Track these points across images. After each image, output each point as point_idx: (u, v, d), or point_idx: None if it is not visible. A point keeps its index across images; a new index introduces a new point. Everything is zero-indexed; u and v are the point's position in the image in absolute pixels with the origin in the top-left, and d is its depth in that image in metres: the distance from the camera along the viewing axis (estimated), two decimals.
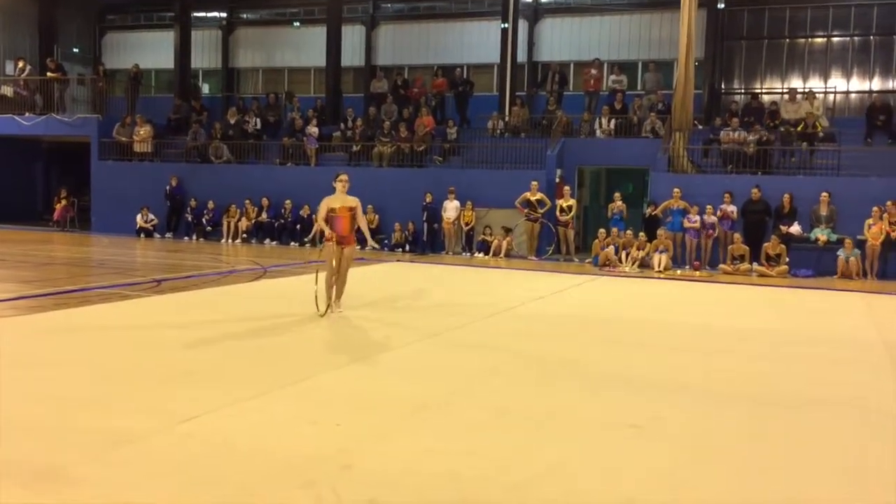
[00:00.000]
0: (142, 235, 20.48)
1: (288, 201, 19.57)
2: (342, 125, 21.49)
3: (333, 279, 8.79)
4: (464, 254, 18.01)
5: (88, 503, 3.46)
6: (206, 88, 26.87)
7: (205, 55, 26.96)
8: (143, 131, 21.74)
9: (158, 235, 20.62)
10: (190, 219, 20.44)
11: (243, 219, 19.83)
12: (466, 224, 18.18)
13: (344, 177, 8.90)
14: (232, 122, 22.08)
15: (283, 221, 19.62)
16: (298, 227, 19.40)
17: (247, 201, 19.86)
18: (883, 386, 6.24)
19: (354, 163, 20.33)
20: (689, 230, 16.07)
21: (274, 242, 19.45)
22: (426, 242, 18.37)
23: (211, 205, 20.30)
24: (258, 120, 22.09)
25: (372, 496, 3.61)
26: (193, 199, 20.54)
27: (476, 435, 4.63)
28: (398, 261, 16.28)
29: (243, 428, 4.57)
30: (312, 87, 25.67)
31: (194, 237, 20.15)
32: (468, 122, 21.51)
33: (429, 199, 18.24)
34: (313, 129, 20.87)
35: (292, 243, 19.24)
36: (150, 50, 27.05)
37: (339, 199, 8.78)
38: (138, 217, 20.67)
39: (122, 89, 23.72)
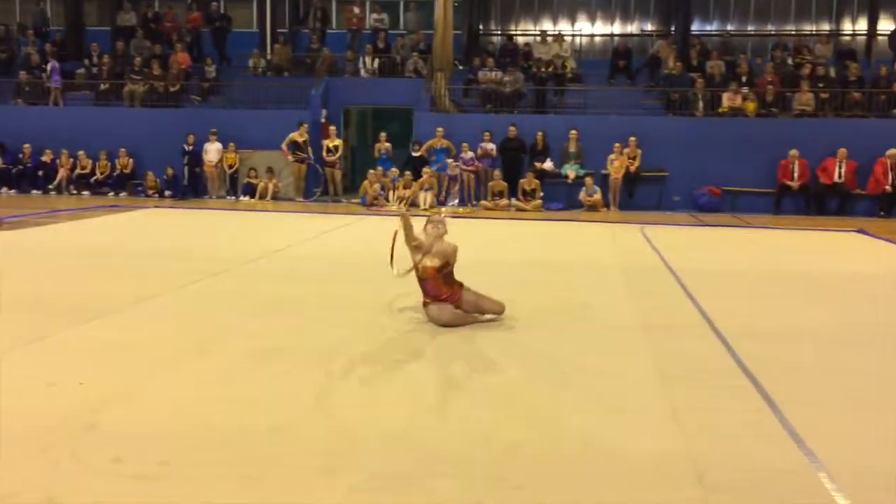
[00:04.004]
0: None
1: (27, 145, 17.79)
2: (86, 61, 19.73)
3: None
4: (228, 198, 17.40)
5: None
6: None
7: None
8: None
9: None
10: None
11: None
12: (230, 167, 17.52)
13: (442, 216, 6.35)
14: None
15: (21, 167, 17.81)
16: (40, 173, 17.75)
17: None
18: (616, 305, 6.84)
19: (102, 102, 18.85)
20: (451, 176, 16.55)
21: (12, 191, 17.65)
22: (188, 187, 17.51)
23: None
24: None
25: (117, 454, 3.41)
26: None
27: (234, 381, 4.50)
28: (156, 206, 15.39)
29: None
30: (49, 19, 23.24)
31: None
32: (228, 60, 20.57)
33: (191, 140, 17.34)
34: (52, 64, 18.99)
35: (34, 191, 17.59)
36: None
37: (430, 251, 5.99)
38: None
39: None
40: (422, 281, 6.03)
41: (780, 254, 10.55)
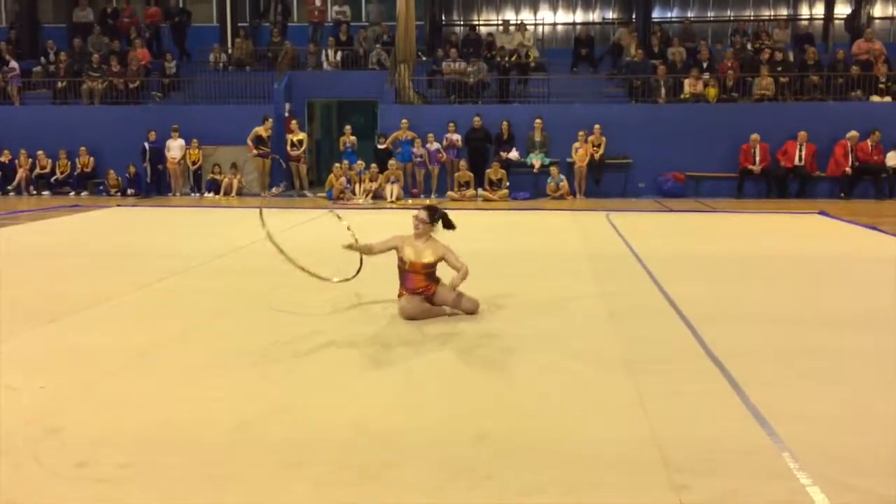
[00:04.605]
0: None
1: None
2: (43, 59, 19.38)
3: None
4: (193, 194, 17.22)
5: None
6: None
7: None
8: None
9: None
10: None
11: None
12: (193, 163, 17.33)
13: (421, 214, 6.00)
14: None
15: None
16: None
17: None
18: (584, 292, 6.89)
19: (61, 100, 18.52)
20: (417, 162, 16.52)
21: None
22: (151, 185, 17.29)
23: None
24: None
25: (81, 458, 3.36)
26: None
27: (199, 380, 4.46)
28: (119, 205, 15.17)
29: None
30: (3, 16, 22.82)
31: None
32: (188, 56, 20.33)
33: (152, 137, 17.11)
34: (13, 64, 18.66)
35: None
36: None
37: (416, 246, 5.95)
38: None
39: None
40: (404, 273, 5.95)
41: (743, 237, 10.68)
